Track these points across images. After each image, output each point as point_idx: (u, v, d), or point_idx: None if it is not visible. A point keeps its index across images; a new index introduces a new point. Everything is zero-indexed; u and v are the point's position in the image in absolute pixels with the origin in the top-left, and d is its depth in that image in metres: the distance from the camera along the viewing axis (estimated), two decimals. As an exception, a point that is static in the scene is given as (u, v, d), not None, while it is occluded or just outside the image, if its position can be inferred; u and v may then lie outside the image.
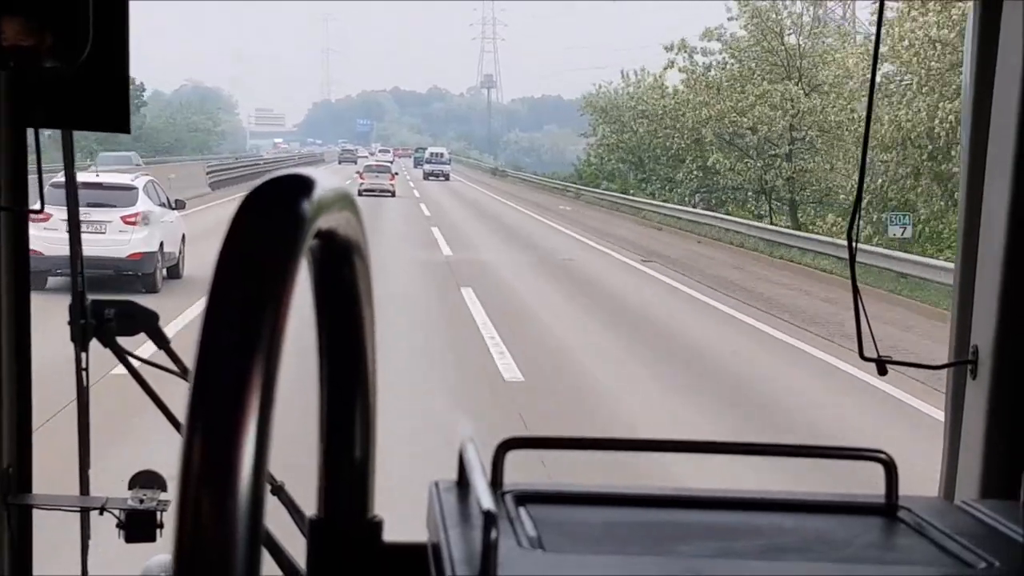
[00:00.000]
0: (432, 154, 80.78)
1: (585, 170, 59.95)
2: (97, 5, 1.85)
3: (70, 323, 2.15)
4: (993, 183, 1.98)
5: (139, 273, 16.85)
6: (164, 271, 17.66)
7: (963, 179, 2.08)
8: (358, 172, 53.01)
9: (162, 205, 18.48)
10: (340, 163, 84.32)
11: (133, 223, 16.95)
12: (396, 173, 57.56)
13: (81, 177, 2.33)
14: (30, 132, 2.15)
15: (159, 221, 17.77)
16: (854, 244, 2.03)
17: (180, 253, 18.39)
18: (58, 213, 2.10)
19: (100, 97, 2.02)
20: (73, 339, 2.18)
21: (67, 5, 1.82)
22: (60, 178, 2.43)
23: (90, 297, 2.15)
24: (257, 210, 0.75)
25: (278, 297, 0.70)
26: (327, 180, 0.80)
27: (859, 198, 2.12)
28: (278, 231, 0.73)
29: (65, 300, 2.16)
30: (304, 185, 0.77)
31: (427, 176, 73.85)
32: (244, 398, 0.68)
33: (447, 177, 74.05)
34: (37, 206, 2.21)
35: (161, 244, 17.16)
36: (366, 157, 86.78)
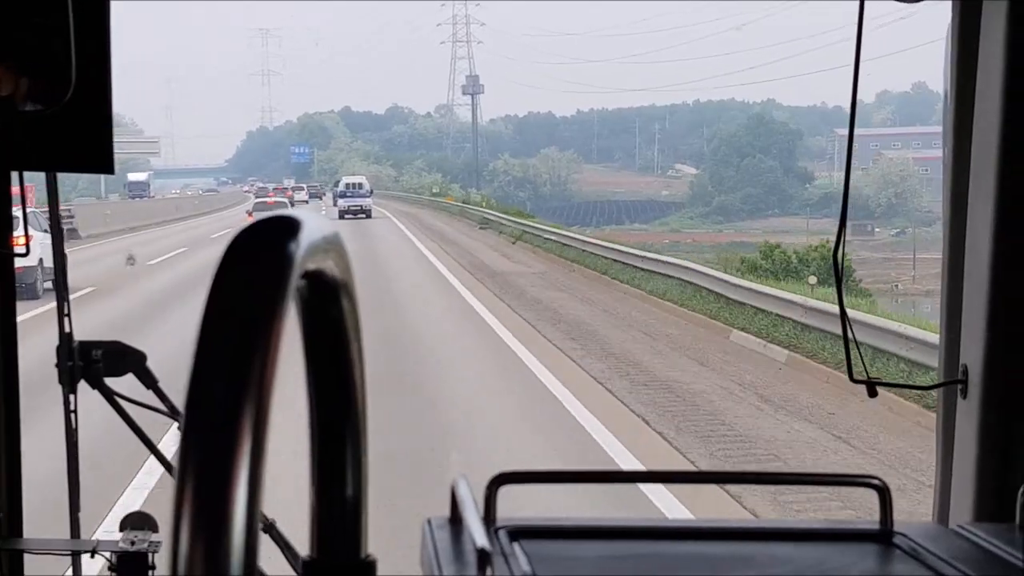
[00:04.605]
0: (348, 185, 76.17)
1: None
2: (79, 46, 2.20)
3: (57, 365, 2.59)
4: (977, 200, 2.28)
5: (21, 284, 23.03)
6: (50, 283, 23.43)
7: (945, 194, 2.38)
8: (248, 212, 50.04)
9: (44, 231, 24.98)
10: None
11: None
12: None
13: None
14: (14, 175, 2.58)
15: (40, 243, 24.12)
16: (840, 267, 2.37)
17: (59, 270, 24.93)
18: None
19: (83, 138, 2.38)
20: (61, 381, 2.61)
21: (50, 48, 2.19)
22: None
23: (77, 339, 2.64)
24: (244, 253, 0.88)
25: (268, 339, 0.83)
26: (313, 220, 0.95)
27: (844, 219, 2.39)
28: (266, 273, 0.87)
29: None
30: (290, 226, 0.91)
31: (343, 215, 67.69)
32: (236, 440, 0.80)
33: (368, 214, 69.06)
34: (22, 249, 2.78)
35: (40, 260, 23.37)
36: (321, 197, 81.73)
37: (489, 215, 62.89)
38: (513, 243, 48.05)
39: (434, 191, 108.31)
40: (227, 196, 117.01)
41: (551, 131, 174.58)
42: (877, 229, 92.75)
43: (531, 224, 53.97)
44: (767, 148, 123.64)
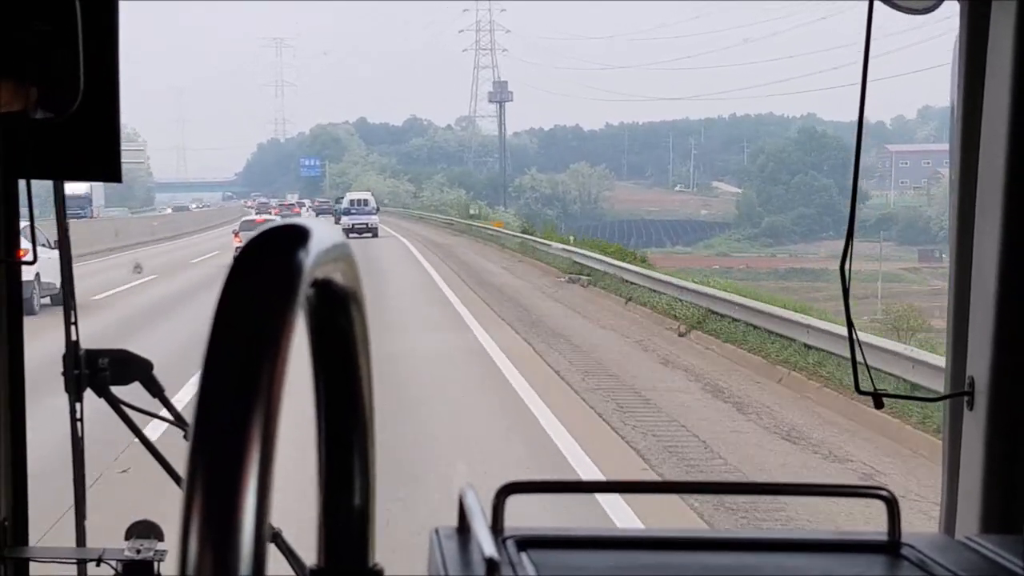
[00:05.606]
0: (352, 202, 74.26)
1: None
2: (87, 54, 2.30)
3: (64, 373, 2.70)
4: (984, 215, 2.36)
5: (17, 298, 24.09)
6: (48, 299, 24.62)
7: (952, 209, 2.46)
8: (235, 231, 49.66)
9: (43, 245, 25.29)
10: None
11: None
12: None
13: None
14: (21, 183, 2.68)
15: (39, 258, 25.55)
16: (847, 278, 2.46)
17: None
18: None
19: (91, 147, 2.50)
20: (67, 389, 2.73)
21: (58, 56, 2.28)
22: None
23: (83, 347, 2.75)
24: (253, 262, 0.92)
25: (276, 348, 0.86)
26: (322, 228, 0.98)
27: (851, 230, 2.52)
28: (275, 282, 0.90)
29: None
30: (299, 235, 0.95)
31: (347, 233, 60.19)
32: (245, 449, 0.83)
33: (374, 233, 67.37)
34: (29, 257, 2.94)
35: (38, 275, 23.90)
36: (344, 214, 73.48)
37: (577, 255, 38.56)
38: (681, 335, 24.11)
39: (472, 212, 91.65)
40: (213, 214, 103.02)
41: (578, 145, 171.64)
42: (944, 255, 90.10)
43: (685, 286, 27.20)
44: (819, 165, 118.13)
